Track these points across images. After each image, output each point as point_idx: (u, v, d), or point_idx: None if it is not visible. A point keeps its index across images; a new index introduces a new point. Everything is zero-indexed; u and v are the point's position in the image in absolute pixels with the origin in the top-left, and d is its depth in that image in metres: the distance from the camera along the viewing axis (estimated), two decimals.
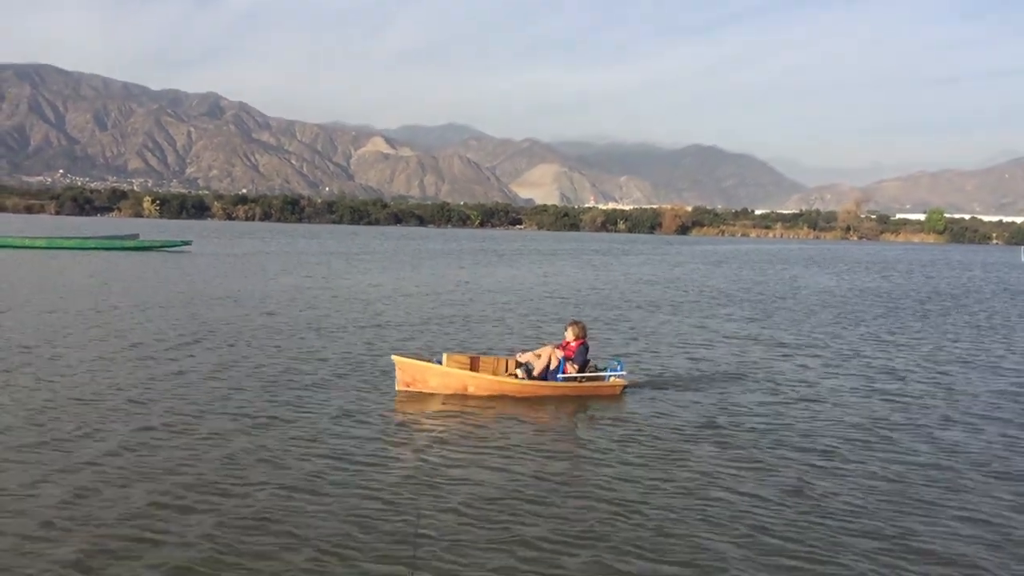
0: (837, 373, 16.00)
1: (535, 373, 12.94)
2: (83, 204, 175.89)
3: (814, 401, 13.31)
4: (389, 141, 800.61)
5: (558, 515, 7.89)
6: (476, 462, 9.43)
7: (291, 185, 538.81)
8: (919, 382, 15.35)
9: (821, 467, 9.73)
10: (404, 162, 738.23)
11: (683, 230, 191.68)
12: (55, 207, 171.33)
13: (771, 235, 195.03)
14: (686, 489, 8.80)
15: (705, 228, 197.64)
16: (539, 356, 13.10)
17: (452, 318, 22.42)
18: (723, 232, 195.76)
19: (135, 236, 54.23)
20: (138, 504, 7.71)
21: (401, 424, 11.05)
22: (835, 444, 10.73)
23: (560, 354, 13.06)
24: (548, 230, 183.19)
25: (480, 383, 12.69)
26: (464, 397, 12.49)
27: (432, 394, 12.54)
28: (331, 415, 11.17)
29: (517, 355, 13.47)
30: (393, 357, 12.99)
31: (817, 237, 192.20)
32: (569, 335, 13.20)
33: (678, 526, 7.76)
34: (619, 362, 13.42)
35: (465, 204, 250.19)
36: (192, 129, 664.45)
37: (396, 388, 12.74)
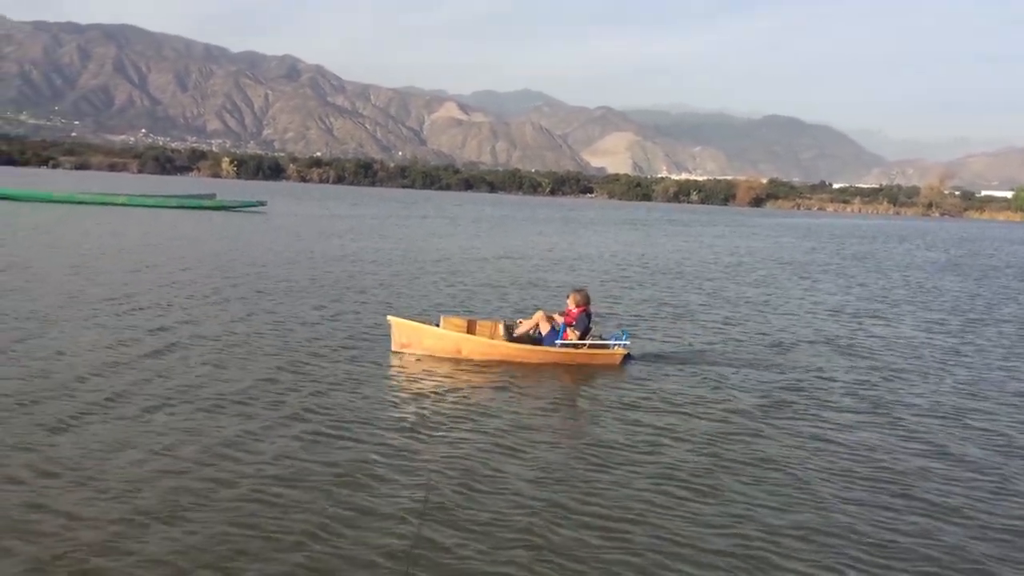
0: (914, 348, 15.46)
1: (518, 333, 12.74)
2: (164, 163, 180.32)
3: (883, 376, 12.86)
4: (462, 107, 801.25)
5: (548, 478, 7.82)
6: (462, 424, 9.34)
7: (364, 149, 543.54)
8: (1005, 361, 14.75)
9: (865, 440, 9.39)
10: (476, 128, 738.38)
11: (757, 202, 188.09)
12: (137, 166, 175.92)
13: (849, 210, 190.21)
14: (690, 455, 8.66)
15: (780, 201, 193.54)
16: (538, 319, 12.90)
17: (537, 283, 22.37)
18: (799, 205, 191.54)
19: (212, 196, 55.38)
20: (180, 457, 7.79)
21: (392, 386, 10.97)
22: (898, 418, 10.35)
23: (559, 320, 12.80)
24: (620, 199, 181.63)
25: (473, 346, 12.59)
26: (458, 360, 12.41)
27: (427, 356, 12.50)
28: (330, 374, 11.19)
29: (518, 321, 13.31)
30: (388, 318, 12.99)
31: (897, 213, 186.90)
32: (570, 303, 12.95)
33: (691, 494, 7.63)
34: (624, 332, 13.16)
35: (536, 171, 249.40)
36: (269, 91, 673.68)
37: (391, 349, 12.73)
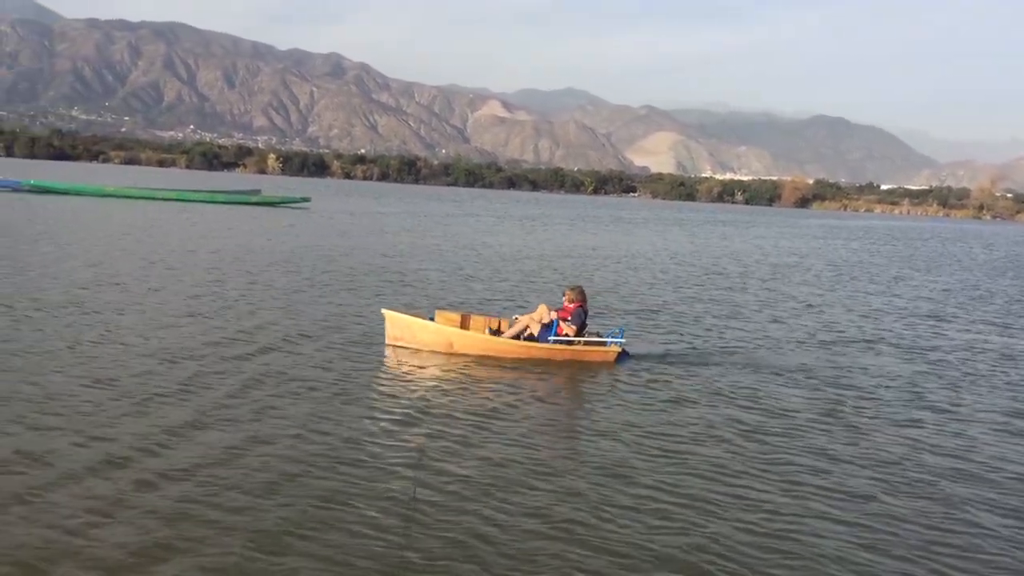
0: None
1: (511, 333, 12.67)
2: (211, 159, 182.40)
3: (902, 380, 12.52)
4: (506, 105, 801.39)
5: (534, 474, 7.85)
6: (446, 417, 9.42)
7: (408, 146, 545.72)
8: None
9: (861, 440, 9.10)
10: (520, 126, 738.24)
11: (803, 203, 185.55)
12: (185, 161, 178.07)
13: (897, 211, 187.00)
14: (676, 454, 8.68)
15: (826, 202, 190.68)
16: (530, 318, 12.83)
17: (584, 281, 22.21)
18: (845, 207, 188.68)
19: (257, 192, 55.91)
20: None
21: (385, 379, 11.01)
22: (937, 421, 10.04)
23: (553, 316, 12.70)
24: (663, 199, 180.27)
25: (465, 341, 12.56)
26: (451, 354, 12.41)
27: (420, 350, 12.50)
28: (323, 368, 11.26)
29: (514, 317, 13.23)
30: (383, 311, 12.99)
31: (947, 215, 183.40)
32: (565, 300, 12.91)
33: (672, 490, 7.66)
34: (621, 330, 13.05)
35: (579, 170, 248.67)
36: (315, 89, 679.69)
37: (385, 342, 12.75)
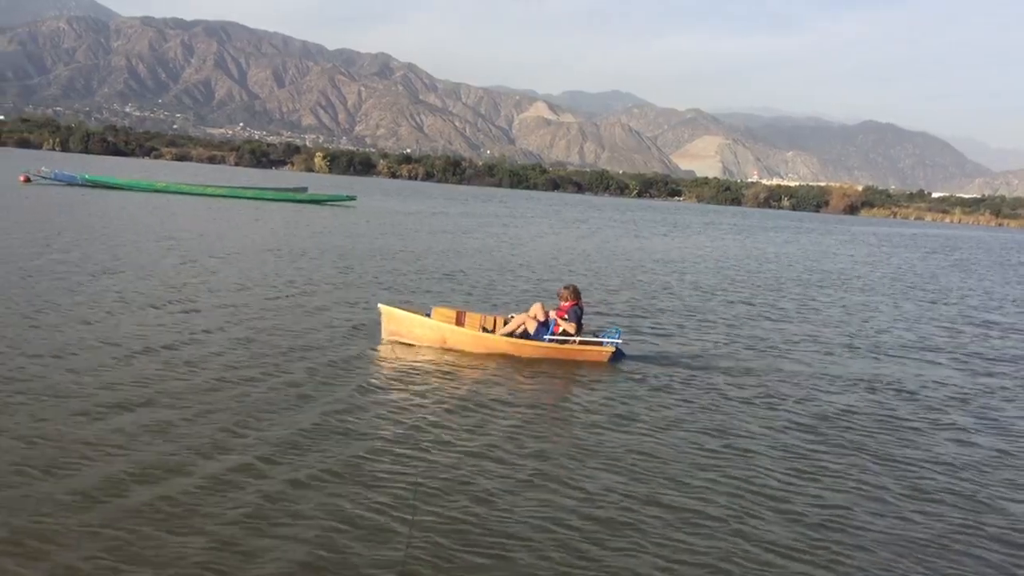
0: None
1: (505, 331, 12.71)
2: (260, 157, 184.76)
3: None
4: (552, 107, 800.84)
5: (517, 472, 7.89)
6: (441, 414, 9.46)
7: (453, 147, 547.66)
8: None
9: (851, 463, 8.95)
10: (565, 128, 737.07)
11: (851, 210, 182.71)
12: (235, 158, 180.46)
13: (948, 220, 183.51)
14: (666, 454, 8.74)
15: (875, 209, 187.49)
16: (526, 316, 12.88)
17: (635, 285, 22.20)
18: (895, 214, 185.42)
19: (304, 189, 56.56)
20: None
21: (381, 374, 11.10)
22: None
23: (552, 315, 12.79)
24: (708, 203, 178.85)
25: (458, 337, 12.70)
26: (445, 350, 12.54)
27: (415, 345, 12.64)
28: (321, 361, 11.34)
29: (509, 315, 13.29)
30: (380, 306, 13.11)
31: (1000, 224, 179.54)
32: (560, 299, 12.95)
33: (657, 484, 7.78)
34: (617, 330, 13.02)
35: (624, 173, 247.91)
36: (363, 88, 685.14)
37: (382, 337, 12.89)
